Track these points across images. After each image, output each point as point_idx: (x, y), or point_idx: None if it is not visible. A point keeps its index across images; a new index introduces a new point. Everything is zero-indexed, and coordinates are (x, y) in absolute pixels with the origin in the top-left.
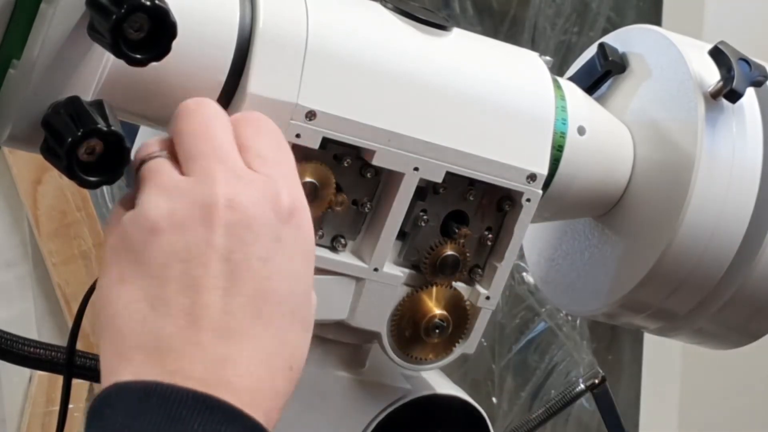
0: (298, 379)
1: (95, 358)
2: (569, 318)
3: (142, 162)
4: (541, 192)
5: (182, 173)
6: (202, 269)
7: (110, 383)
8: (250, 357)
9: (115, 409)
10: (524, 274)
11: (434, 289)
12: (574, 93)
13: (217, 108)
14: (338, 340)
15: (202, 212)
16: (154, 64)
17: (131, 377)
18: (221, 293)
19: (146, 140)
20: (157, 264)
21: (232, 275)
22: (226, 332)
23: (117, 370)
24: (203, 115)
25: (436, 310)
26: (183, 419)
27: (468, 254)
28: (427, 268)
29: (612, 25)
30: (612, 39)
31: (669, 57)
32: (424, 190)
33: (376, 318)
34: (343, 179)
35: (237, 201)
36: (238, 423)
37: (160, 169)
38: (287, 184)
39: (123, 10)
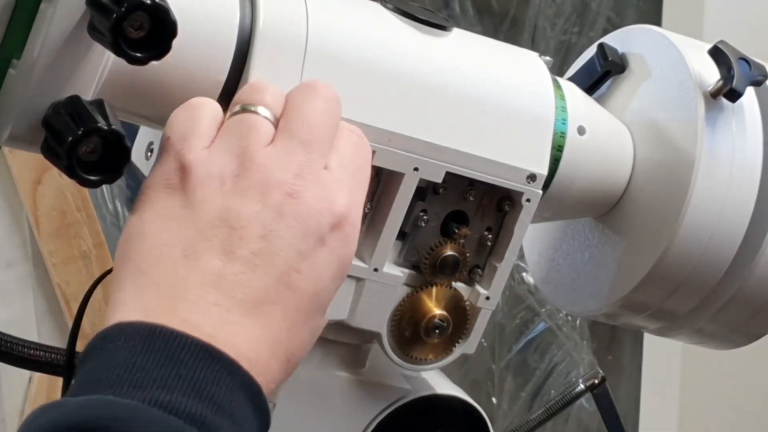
0: (291, 373)
1: None
2: (569, 318)
3: (244, 108)
4: (541, 192)
5: (272, 140)
6: (243, 242)
7: (116, 312)
8: (258, 333)
9: (118, 345)
10: (524, 274)
11: (434, 289)
12: (574, 93)
13: (340, 106)
14: (338, 340)
15: (265, 189)
16: (154, 63)
17: (140, 315)
18: (251, 267)
19: (260, 81)
20: (208, 220)
21: (267, 256)
22: (244, 304)
23: (126, 301)
24: (327, 103)
25: (436, 310)
26: (185, 363)
27: (468, 254)
28: (427, 268)
29: (612, 25)
30: (612, 39)
31: (669, 57)
32: (424, 190)
33: (376, 318)
34: None
35: (299, 192)
36: (237, 376)
37: (255, 130)
38: (351, 194)
39: (123, 9)
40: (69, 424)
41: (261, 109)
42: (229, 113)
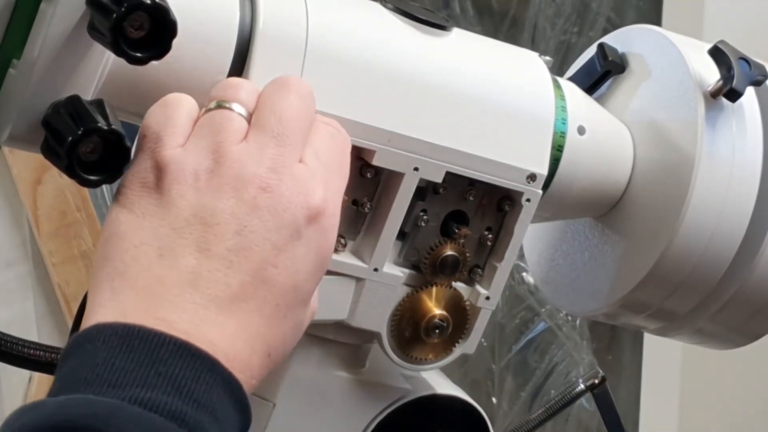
0: (273, 368)
1: None
2: (569, 318)
3: (218, 104)
4: (541, 192)
5: (246, 136)
6: (218, 238)
7: (95, 314)
8: (235, 330)
9: (97, 346)
10: (524, 274)
11: (434, 289)
12: (574, 93)
13: (313, 101)
14: (338, 340)
15: (239, 184)
16: (154, 63)
17: (117, 316)
18: (227, 264)
19: (235, 78)
20: (183, 218)
21: (242, 251)
22: (220, 301)
23: (105, 304)
24: (299, 98)
25: (436, 310)
26: (164, 361)
27: (468, 254)
28: (427, 268)
29: (612, 25)
30: (612, 39)
31: (669, 57)
32: (424, 190)
33: (376, 318)
34: None
35: (273, 186)
36: (217, 373)
37: (228, 126)
38: (326, 185)
39: (123, 9)
40: (50, 423)
41: (235, 105)
42: (203, 110)
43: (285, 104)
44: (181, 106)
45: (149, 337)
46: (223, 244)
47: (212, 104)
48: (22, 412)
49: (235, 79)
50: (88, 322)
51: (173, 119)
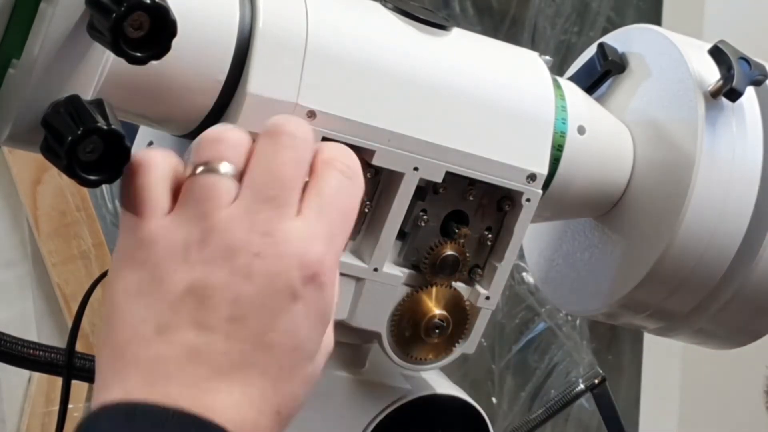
0: (287, 424)
1: (94, 360)
2: (569, 318)
3: (205, 165)
4: (541, 192)
5: (236, 196)
6: (214, 310)
7: (102, 397)
8: (240, 396)
9: (101, 427)
10: (524, 274)
11: (434, 289)
12: (574, 93)
13: (311, 144)
14: (338, 340)
15: (230, 253)
16: (153, 63)
17: (121, 395)
18: (225, 336)
19: (216, 130)
20: (176, 293)
21: (239, 321)
22: (222, 371)
23: (110, 385)
24: (294, 152)
25: (435, 310)
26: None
27: (468, 254)
28: (427, 268)
29: (612, 25)
30: (612, 39)
31: (669, 56)
32: (424, 190)
33: (376, 318)
34: None
35: (265, 251)
36: None
37: (215, 193)
38: (326, 239)
39: (123, 9)
40: None
41: (222, 166)
42: (187, 173)
43: (279, 162)
44: (150, 171)
45: (153, 413)
46: (219, 315)
47: (198, 169)
48: None
49: (216, 133)
50: (95, 401)
51: (146, 188)
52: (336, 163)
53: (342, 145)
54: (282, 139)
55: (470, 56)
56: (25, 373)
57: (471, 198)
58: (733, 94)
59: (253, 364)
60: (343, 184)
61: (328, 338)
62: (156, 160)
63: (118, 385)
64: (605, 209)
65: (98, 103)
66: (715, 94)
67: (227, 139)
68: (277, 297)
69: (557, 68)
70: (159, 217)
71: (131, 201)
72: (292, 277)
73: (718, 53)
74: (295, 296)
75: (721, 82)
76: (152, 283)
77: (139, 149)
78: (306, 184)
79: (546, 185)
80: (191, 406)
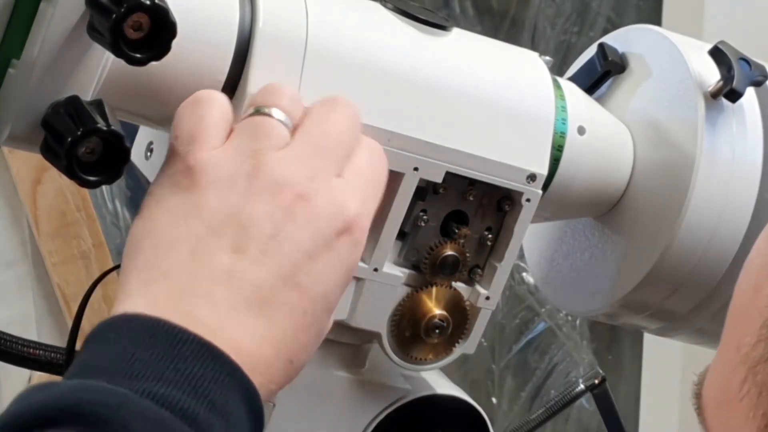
0: (294, 375)
1: None
2: (569, 318)
3: (259, 110)
4: (541, 192)
5: (287, 144)
6: (253, 240)
7: (124, 303)
8: (263, 333)
9: (121, 335)
10: (524, 274)
11: (434, 289)
12: (574, 93)
13: (360, 123)
14: (338, 340)
15: (276, 189)
16: (153, 63)
17: (145, 307)
18: (260, 267)
19: (277, 84)
20: (218, 219)
21: (276, 256)
22: (250, 302)
23: (133, 294)
24: (348, 119)
25: (436, 310)
26: (185, 358)
27: (468, 254)
28: (427, 268)
29: (612, 25)
30: (612, 39)
31: (669, 57)
32: (424, 190)
33: (376, 318)
34: None
35: (310, 194)
36: (236, 378)
37: (270, 134)
38: (362, 201)
39: (123, 10)
40: (58, 405)
41: (276, 112)
42: (244, 114)
43: (333, 119)
44: (214, 105)
45: (173, 332)
46: (257, 246)
47: (252, 109)
48: (33, 390)
49: (278, 85)
50: (115, 311)
51: (206, 120)
52: (365, 144)
53: None
54: (338, 105)
55: (470, 56)
56: (25, 372)
57: (471, 198)
58: (734, 95)
59: (283, 302)
60: (375, 159)
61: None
62: (221, 97)
63: (143, 296)
64: (605, 209)
65: (98, 104)
66: (715, 95)
67: (285, 92)
68: (314, 240)
69: (557, 68)
70: (210, 147)
71: (187, 128)
72: (331, 225)
73: (718, 54)
74: (330, 245)
75: (721, 83)
76: (194, 208)
77: (139, 149)
78: None
79: (546, 185)
80: (213, 333)
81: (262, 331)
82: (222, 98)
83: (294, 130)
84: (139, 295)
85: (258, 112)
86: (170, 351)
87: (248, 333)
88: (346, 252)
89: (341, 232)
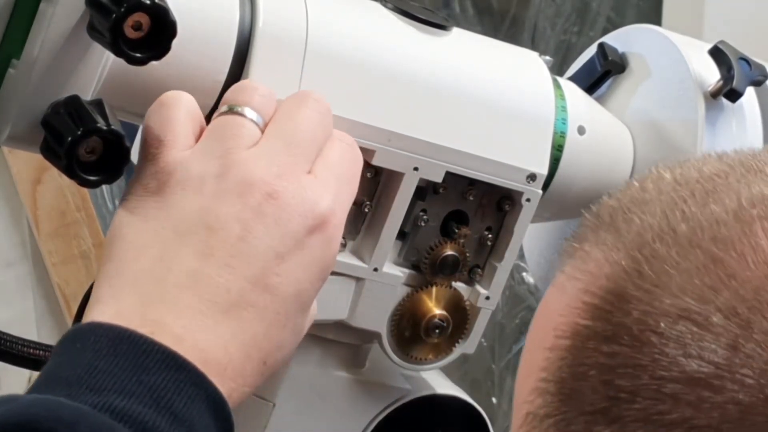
0: (268, 375)
1: None
2: None
3: (231, 109)
4: (541, 192)
5: (257, 142)
6: (221, 242)
7: (93, 311)
8: (231, 337)
9: (86, 345)
10: (524, 274)
11: (434, 289)
12: (574, 93)
13: (331, 118)
14: (338, 340)
15: (245, 189)
16: (153, 63)
17: (113, 313)
18: (228, 270)
19: (249, 81)
20: (186, 222)
21: (244, 258)
22: (219, 306)
23: (103, 301)
24: (319, 114)
25: (435, 310)
26: (149, 369)
27: (468, 254)
28: (427, 268)
29: (612, 25)
30: (612, 39)
31: (669, 57)
32: (424, 190)
33: (376, 318)
34: None
35: (279, 193)
36: (201, 387)
37: (239, 132)
38: (335, 197)
39: (123, 9)
40: (15, 420)
41: (247, 111)
42: (216, 113)
43: (303, 115)
44: (179, 107)
45: (138, 342)
46: (226, 249)
47: (224, 108)
48: None
49: (249, 83)
50: (86, 317)
51: (173, 121)
52: (335, 135)
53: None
54: (308, 100)
55: (470, 56)
56: (25, 372)
57: (471, 198)
58: (733, 95)
59: (251, 305)
60: (346, 151)
61: (313, 307)
62: (186, 98)
63: (112, 302)
64: None
65: (98, 104)
66: (715, 95)
67: (256, 89)
68: (284, 240)
69: (557, 68)
70: (179, 150)
71: (155, 131)
72: (301, 224)
73: (718, 53)
74: (302, 244)
75: (721, 83)
76: (162, 211)
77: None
78: None
79: (546, 185)
80: (179, 340)
81: (230, 335)
82: (187, 98)
83: (263, 125)
84: (108, 303)
85: (229, 111)
86: (134, 362)
87: (215, 339)
88: (319, 249)
89: (312, 230)
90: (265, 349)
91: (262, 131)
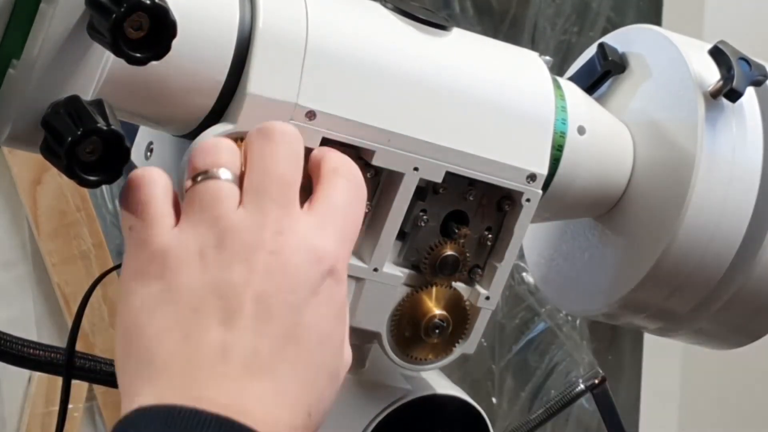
0: (315, 428)
1: (94, 360)
2: (569, 318)
3: (204, 174)
4: (541, 192)
5: (240, 200)
6: (238, 307)
7: (133, 404)
8: (273, 395)
9: (140, 430)
10: (524, 274)
11: (434, 289)
12: (574, 93)
13: (301, 143)
14: None
15: (247, 253)
16: (153, 63)
17: (154, 400)
18: (252, 332)
19: (208, 141)
20: (198, 297)
21: (264, 317)
22: (253, 369)
23: (140, 392)
24: (286, 148)
25: (435, 310)
26: None
27: (468, 254)
28: (426, 268)
29: (612, 25)
30: (612, 39)
31: (669, 57)
32: (424, 190)
33: (376, 318)
34: None
35: (282, 248)
36: None
37: (220, 197)
38: (335, 237)
39: (123, 9)
40: None
41: (221, 172)
42: (188, 184)
43: (276, 161)
44: (154, 184)
45: (191, 416)
46: (245, 312)
47: (196, 176)
48: None
49: (208, 143)
50: (124, 411)
51: (152, 200)
52: (342, 170)
53: (343, 154)
54: (274, 136)
55: (470, 56)
56: (25, 373)
57: (471, 198)
58: (733, 95)
59: (283, 360)
60: (351, 192)
61: (348, 351)
62: (156, 174)
63: (149, 391)
64: (605, 209)
65: (98, 104)
66: (715, 95)
67: (219, 146)
68: (297, 292)
69: (557, 68)
70: (168, 229)
71: (137, 216)
72: (310, 272)
73: (718, 53)
74: (315, 290)
75: (721, 83)
76: (171, 292)
77: (139, 149)
78: (311, 187)
79: (546, 185)
80: (227, 409)
81: (271, 395)
82: (157, 173)
83: (241, 178)
84: (145, 395)
85: (203, 178)
86: None
87: (259, 402)
88: (332, 292)
89: (323, 276)
90: (306, 401)
91: (240, 184)
